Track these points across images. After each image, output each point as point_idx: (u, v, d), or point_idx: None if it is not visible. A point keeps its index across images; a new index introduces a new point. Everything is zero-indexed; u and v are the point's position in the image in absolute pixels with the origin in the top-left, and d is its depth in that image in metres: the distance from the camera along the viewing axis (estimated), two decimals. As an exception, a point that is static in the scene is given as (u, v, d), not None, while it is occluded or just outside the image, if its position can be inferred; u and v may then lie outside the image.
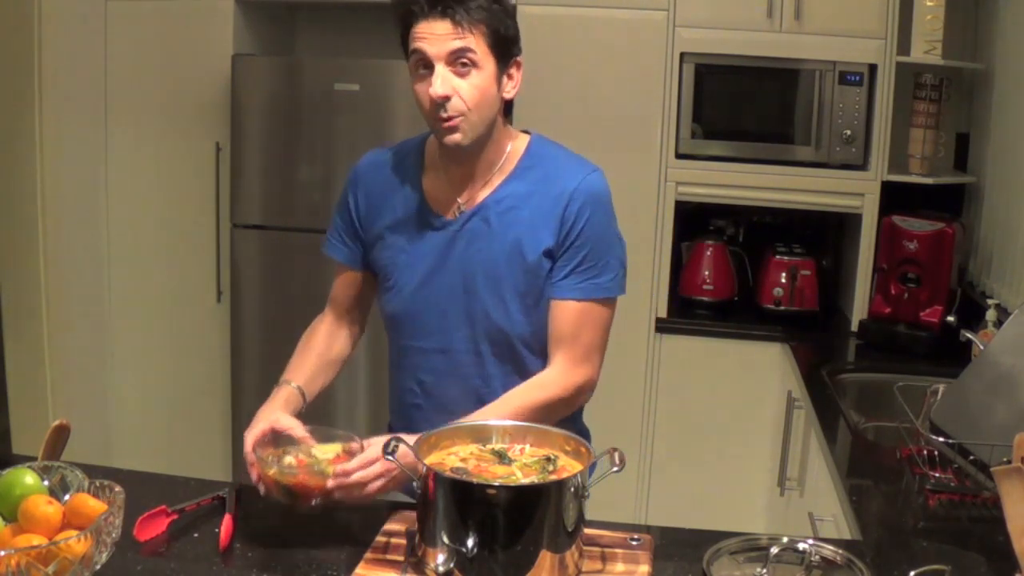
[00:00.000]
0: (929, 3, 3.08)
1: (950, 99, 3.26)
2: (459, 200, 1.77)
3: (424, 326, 1.80)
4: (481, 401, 1.75)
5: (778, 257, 3.33)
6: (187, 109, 3.37)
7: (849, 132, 3.16)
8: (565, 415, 1.78)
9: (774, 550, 1.48)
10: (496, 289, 1.75)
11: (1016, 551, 1.42)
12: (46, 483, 1.39)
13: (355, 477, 1.54)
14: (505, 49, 1.69)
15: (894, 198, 3.17)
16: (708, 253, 3.42)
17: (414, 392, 1.85)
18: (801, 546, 1.50)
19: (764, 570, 1.44)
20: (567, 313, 1.74)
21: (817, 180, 3.20)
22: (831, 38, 3.11)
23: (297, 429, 1.64)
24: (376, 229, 1.82)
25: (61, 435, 1.54)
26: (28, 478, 1.36)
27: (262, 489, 1.57)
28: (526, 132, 1.84)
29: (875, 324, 3.11)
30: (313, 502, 1.54)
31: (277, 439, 1.63)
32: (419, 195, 1.80)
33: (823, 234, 3.54)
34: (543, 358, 1.78)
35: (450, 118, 1.66)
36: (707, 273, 3.40)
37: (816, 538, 1.56)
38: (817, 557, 1.49)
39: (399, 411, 1.92)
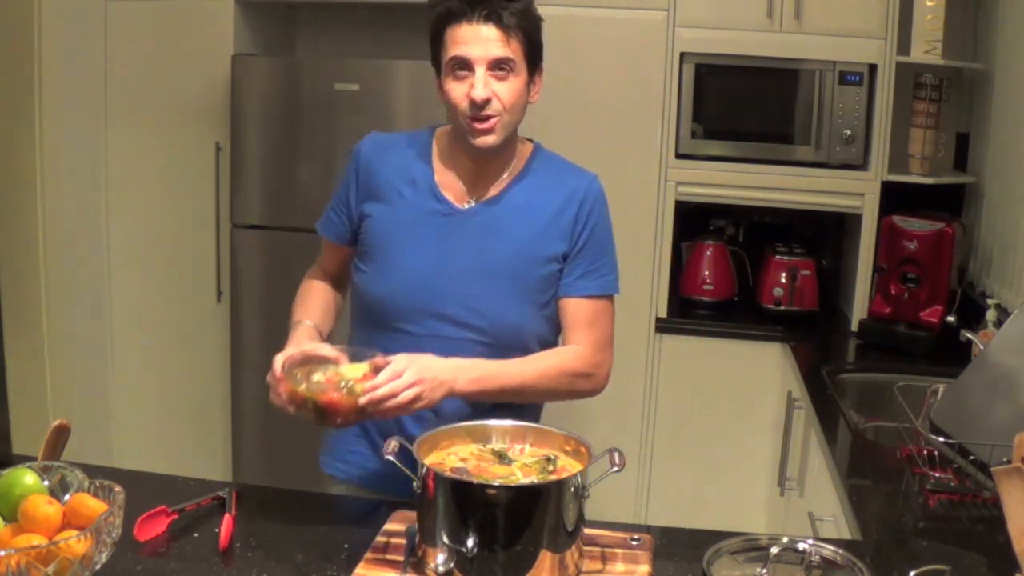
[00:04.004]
0: (929, 3, 3.08)
1: (950, 99, 3.26)
2: (469, 194, 1.80)
3: (422, 309, 1.76)
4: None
5: (778, 257, 3.33)
6: (187, 109, 3.36)
7: (849, 132, 3.16)
8: (578, 394, 1.80)
9: (774, 550, 1.47)
10: (505, 282, 1.76)
11: (1016, 551, 1.41)
12: (46, 483, 1.38)
13: (384, 390, 1.54)
14: (536, 56, 1.76)
15: (894, 198, 3.17)
16: (708, 253, 3.42)
17: None
18: (801, 546, 1.50)
19: (764, 570, 1.44)
20: (585, 307, 1.79)
21: (817, 180, 3.20)
22: (831, 38, 3.11)
23: (325, 349, 1.65)
24: (373, 202, 1.83)
25: (61, 435, 1.54)
26: (28, 478, 1.36)
27: (291, 409, 1.56)
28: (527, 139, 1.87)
29: (875, 324, 3.11)
30: (339, 420, 1.55)
31: (307, 362, 1.62)
32: (429, 180, 1.81)
33: (823, 234, 3.54)
34: None
35: (487, 118, 1.69)
36: (707, 273, 3.40)
37: (816, 538, 1.56)
38: (817, 557, 1.49)
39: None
